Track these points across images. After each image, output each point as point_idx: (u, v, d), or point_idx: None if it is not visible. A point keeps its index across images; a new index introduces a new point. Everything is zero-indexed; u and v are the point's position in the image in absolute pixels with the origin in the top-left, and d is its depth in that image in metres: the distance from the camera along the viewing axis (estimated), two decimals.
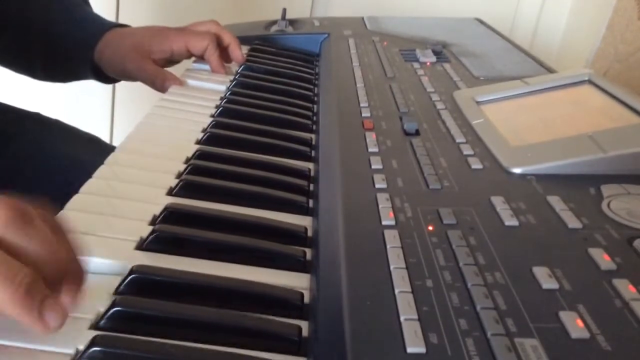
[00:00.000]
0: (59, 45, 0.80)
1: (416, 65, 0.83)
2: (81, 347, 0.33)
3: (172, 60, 0.81)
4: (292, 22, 1.07)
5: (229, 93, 0.74)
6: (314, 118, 0.71)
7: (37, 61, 0.83)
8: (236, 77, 0.80)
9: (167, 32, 0.79)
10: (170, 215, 0.46)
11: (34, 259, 0.31)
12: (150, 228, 0.44)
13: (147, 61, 0.77)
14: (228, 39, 0.83)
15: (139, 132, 0.61)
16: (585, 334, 0.32)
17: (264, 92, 0.75)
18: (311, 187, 0.54)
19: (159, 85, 0.76)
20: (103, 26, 0.80)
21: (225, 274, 0.40)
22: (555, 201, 0.46)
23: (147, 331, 0.35)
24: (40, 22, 0.80)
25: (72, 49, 0.79)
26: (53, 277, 0.32)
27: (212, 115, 0.67)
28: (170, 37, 0.78)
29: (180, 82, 0.77)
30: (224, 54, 0.83)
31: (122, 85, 1.49)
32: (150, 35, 0.78)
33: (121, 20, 1.36)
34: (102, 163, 0.53)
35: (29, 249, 0.31)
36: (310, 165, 0.59)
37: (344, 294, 0.35)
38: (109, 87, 1.49)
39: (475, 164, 0.52)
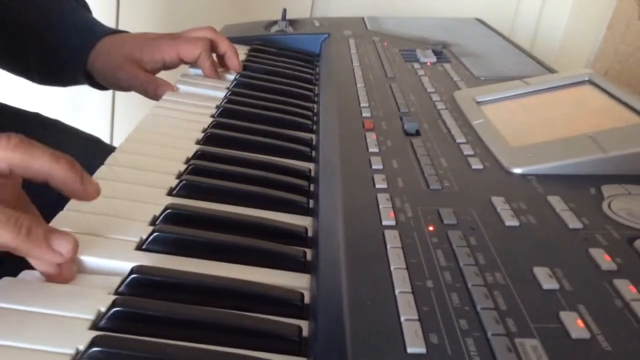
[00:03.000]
0: (53, 52, 0.80)
1: (416, 65, 0.83)
2: (81, 347, 0.33)
3: (166, 68, 0.80)
4: (292, 23, 1.07)
5: (229, 93, 0.74)
6: (314, 118, 0.71)
7: (34, 67, 0.83)
8: (236, 77, 0.80)
9: (159, 41, 0.78)
10: (170, 215, 0.46)
11: (46, 171, 0.38)
12: (151, 228, 0.43)
13: (139, 70, 0.77)
14: (224, 47, 0.81)
15: (139, 133, 0.61)
16: (586, 334, 0.32)
17: (264, 92, 0.75)
18: (311, 187, 0.54)
19: (152, 92, 0.76)
20: (95, 35, 0.79)
21: (226, 274, 0.40)
22: (555, 201, 0.46)
23: (147, 331, 0.35)
24: (36, 28, 0.80)
25: (66, 57, 0.79)
26: (64, 183, 0.39)
27: (213, 116, 0.67)
28: (162, 47, 0.77)
29: (173, 88, 0.76)
30: (220, 62, 0.83)
31: None
32: (142, 46, 0.77)
33: (121, 21, 1.37)
34: (102, 163, 0.53)
35: (39, 162, 0.38)
36: (310, 166, 0.59)
37: (344, 294, 0.35)
38: None
39: (476, 164, 0.52)
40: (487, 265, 0.38)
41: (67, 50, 0.79)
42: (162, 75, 0.79)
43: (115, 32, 0.81)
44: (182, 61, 0.79)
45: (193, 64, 0.80)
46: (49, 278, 0.38)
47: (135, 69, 0.77)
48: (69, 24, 0.81)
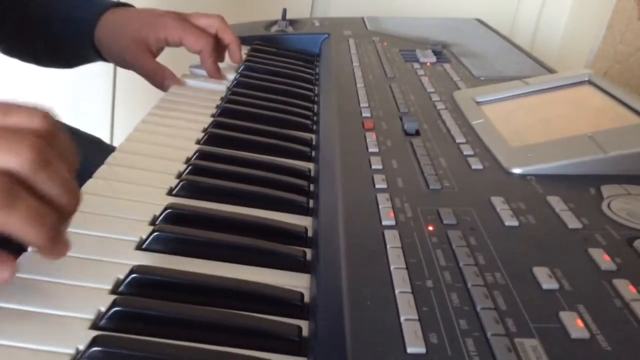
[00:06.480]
0: (59, 28, 0.80)
1: (416, 65, 0.83)
2: (81, 347, 0.33)
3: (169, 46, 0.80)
4: (292, 22, 1.07)
5: (229, 93, 0.74)
6: (314, 118, 0.71)
7: (40, 46, 0.83)
8: (237, 77, 0.80)
9: (166, 19, 0.77)
10: (170, 215, 0.46)
11: (50, 198, 0.34)
12: (151, 228, 0.44)
13: (146, 55, 0.77)
14: (229, 39, 0.81)
15: (139, 133, 0.61)
16: (586, 334, 0.32)
17: (264, 92, 0.75)
18: (311, 187, 0.54)
19: (158, 82, 0.76)
20: (101, 7, 0.79)
21: (225, 274, 0.41)
22: (555, 201, 0.46)
23: (148, 331, 0.35)
24: (39, 5, 0.80)
25: (73, 31, 0.79)
26: (67, 212, 0.36)
27: (213, 115, 0.67)
28: (168, 27, 0.76)
29: (179, 82, 0.76)
30: (222, 53, 0.83)
31: (122, 85, 1.50)
32: (148, 24, 0.77)
33: None
34: (102, 164, 0.53)
35: (50, 190, 0.34)
36: (310, 166, 0.59)
37: (344, 294, 0.36)
38: (109, 87, 1.49)
39: (475, 164, 0.52)
40: (487, 265, 0.38)
41: (74, 23, 0.79)
42: (169, 65, 0.79)
43: (120, 4, 0.81)
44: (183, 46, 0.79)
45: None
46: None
47: (143, 55, 0.77)
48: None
